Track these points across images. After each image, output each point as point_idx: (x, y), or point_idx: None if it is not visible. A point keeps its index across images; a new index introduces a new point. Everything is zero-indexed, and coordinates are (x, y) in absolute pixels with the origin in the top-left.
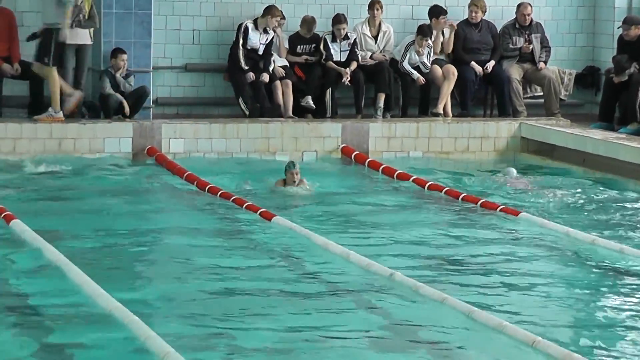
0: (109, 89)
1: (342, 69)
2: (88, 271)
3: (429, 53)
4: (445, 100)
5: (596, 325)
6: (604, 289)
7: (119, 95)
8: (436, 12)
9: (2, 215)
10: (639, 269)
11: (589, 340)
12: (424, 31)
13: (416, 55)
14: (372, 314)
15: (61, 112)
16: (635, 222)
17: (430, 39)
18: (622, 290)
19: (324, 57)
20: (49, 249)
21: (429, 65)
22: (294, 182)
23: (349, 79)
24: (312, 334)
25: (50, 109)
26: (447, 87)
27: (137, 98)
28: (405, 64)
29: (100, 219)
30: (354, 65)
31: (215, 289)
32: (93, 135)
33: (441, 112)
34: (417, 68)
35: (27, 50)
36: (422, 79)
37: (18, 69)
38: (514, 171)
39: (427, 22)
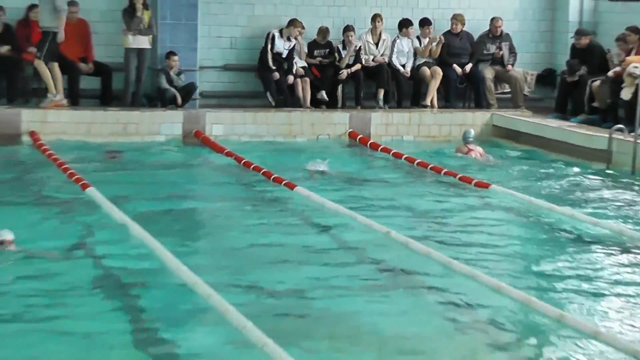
0: (164, 84)
1: (345, 69)
2: (149, 228)
3: (412, 44)
4: (432, 95)
5: (545, 273)
6: (557, 247)
7: (172, 89)
8: (424, 22)
9: (80, 183)
10: (587, 231)
11: (542, 284)
12: (403, 23)
13: (403, 47)
14: (371, 264)
15: (61, 95)
16: (583, 192)
17: (410, 29)
18: (571, 247)
19: (336, 60)
20: (115, 210)
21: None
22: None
23: (344, 75)
24: (324, 278)
25: (49, 95)
26: (434, 85)
27: (187, 92)
28: (394, 60)
29: (157, 188)
30: (357, 66)
31: (246, 242)
32: (151, 121)
33: (429, 104)
34: (404, 66)
35: (99, 52)
36: (407, 73)
37: (91, 68)
38: (471, 131)
39: (416, 30)
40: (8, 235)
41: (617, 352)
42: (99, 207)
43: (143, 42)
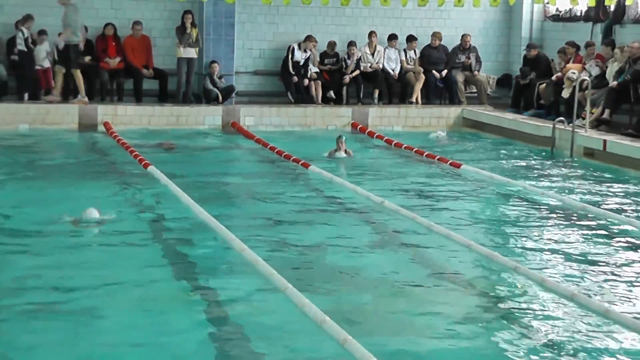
0: (209, 85)
1: (348, 74)
2: (195, 197)
3: (399, 53)
4: (417, 94)
5: (506, 233)
6: (513, 212)
7: (215, 90)
8: (410, 38)
9: (142, 163)
10: (536, 200)
11: (500, 241)
12: (391, 37)
13: (390, 54)
14: (369, 226)
15: (86, 97)
16: (533, 170)
17: (394, 41)
18: (523, 212)
19: (342, 67)
20: (170, 183)
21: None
22: (341, 149)
23: (347, 80)
24: (333, 237)
25: (79, 95)
26: (418, 86)
27: (227, 92)
28: (386, 64)
29: (201, 166)
30: (357, 72)
31: (272, 208)
32: (198, 114)
33: (414, 101)
34: (393, 70)
35: (158, 61)
36: (396, 76)
37: (152, 73)
38: (442, 134)
39: (403, 44)
40: (95, 213)
41: (558, 298)
42: (157, 181)
43: (191, 52)
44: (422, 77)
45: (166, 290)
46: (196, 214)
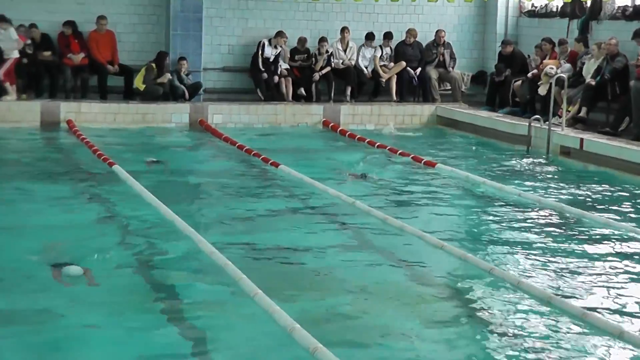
0: (176, 82)
1: (317, 72)
2: (161, 197)
3: (374, 51)
4: (394, 90)
5: (479, 234)
6: (487, 212)
7: (182, 87)
8: (387, 36)
9: (107, 162)
10: (512, 200)
11: (476, 243)
12: (368, 36)
13: (366, 53)
14: (341, 228)
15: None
16: (508, 169)
17: (372, 42)
18: (498, 213)
19: (312, 64)
20: (135, 183)
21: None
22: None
23: (317, 77)
24: (303, 239)
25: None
26: (394, 81)
27: (195, 89)
28: (360, 62)
29: (168, 165)
30: (327, 69)
31: (241, 209)
32: (164, 111)
33: (395, 99)
34: (366, 67)
35: (123, 56)
36: (369, 74)
37: (117, 69)
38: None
39: (379, 41)
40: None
41: (537, 301)
42: (122, 180)
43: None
44: (394, 73)
45: (130, 295)
46: (163, 214)
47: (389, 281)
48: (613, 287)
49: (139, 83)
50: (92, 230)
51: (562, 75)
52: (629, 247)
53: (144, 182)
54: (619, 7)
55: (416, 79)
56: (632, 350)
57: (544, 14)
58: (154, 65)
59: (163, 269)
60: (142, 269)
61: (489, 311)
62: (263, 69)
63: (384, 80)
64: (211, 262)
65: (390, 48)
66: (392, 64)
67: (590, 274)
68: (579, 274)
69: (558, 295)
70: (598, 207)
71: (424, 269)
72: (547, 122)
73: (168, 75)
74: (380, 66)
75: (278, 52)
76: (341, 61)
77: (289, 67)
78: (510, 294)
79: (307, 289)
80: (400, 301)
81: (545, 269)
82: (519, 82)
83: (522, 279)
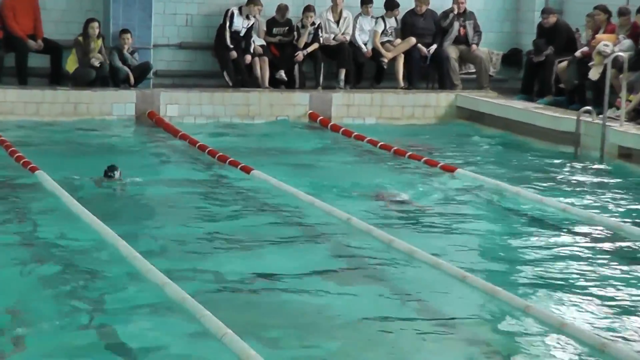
0: (117, 62)
1: (301, 49)
2: (99, 214)
3: (375, 24)
4: (401, 73)
5: (511, 262)
6: (525, 233)
7: (125, 68)
8: (390, 5)
9: (28, 167)
10: (554, 217)
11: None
12: (364, 1)
13: (364, 25)
14: (330, 251)
15: None
16: (549, 177)
17: (369, 7)
18: (536, 234)
19: (295, 39)
20: (65, 195)
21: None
22: None
23: (300, 57)
24: (282, 266)
25: None
26: (400, 62)
27: (142, 71)
28: (357, 37)
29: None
30: (314, 46)
31: (202, 228)
32: (103, 100)
33: (402, 84)
34: (365, 44)
35: (49, 29)
36: (369, 52)
37: (41, 45)
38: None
39: (380, 10)
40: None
41: (581, 344)
42: (47, 191)
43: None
44: (402, 53)
45: (54, 335)
46: (101, 236)
47: (392, 322)
48: None
49: (71, 65)
50: (5, 257)
51: (620, 54)
52: None
53: (77, 194)
54: None
55: (428, 59)
56: None
57: None
58: (80, 39)
59: (98, 302)
60: (67, 302)
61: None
62: (232, 46)
63: (386, 60)
64: (164, 297)
65: (396, 19)
66: (398, 40)
67: None
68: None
69: (614, 341)
70: None
71: (441, 308)
72: (601, 116)
73: (99, 57)
74: (383, 43)
75: (251, 24)
76: (332, 36)
77: (264, 43)
78: (550, 338)
79: (287, 328)
80: (404, 348)
81: (598, 308)
82: (564, 64)
83: (566, 321)
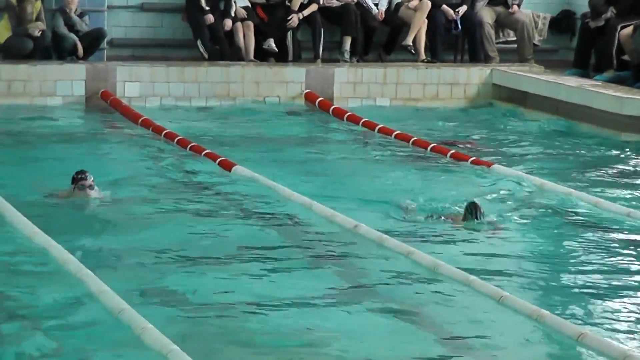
0: (62, 28)
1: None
2: (39, 221)
3: None
4: (416, 31)
5: (567, 281)
6: (576, 243)
7: (73, 35)
8: None
9: None
10: (617, 222)
11: (559, 297)
12: None
13: None
14: (329, 267)
15: None
16: (610, 173)
17: None
18: (594, 243)
19: (288, 0)
20: None
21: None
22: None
23: (295, 21)
24: (266, 285)
25: None
26: (419, 18)
27: (93, 40)
28: None
29: (49, 166)
30: (312, 7)
31: (167, 238)
32: (44, 77)
33: (411, 44)
34: (377, 5)
35: None
36: (381, 15)
37: None
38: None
39: None
40: None
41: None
42: None
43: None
44: (428, 5)
45: None
46: (41, 247)
47: (412, 352)
48: None
49: (2, 34)
50: None
51: None
52: None
53: (9, 195)
54: None
55: (459, 24)
56: None
57: None
58: (13, 1)
59: (44, 329)
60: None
61: None
62: (207, 8)
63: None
64: (120, 323)
65: None
66: (416, 1)
67: None
68: None
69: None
70: None
71: (472, 337)
72: None
73: (39, 24)
74: (399, 4)
75: None
76: None
77: (249, 4)
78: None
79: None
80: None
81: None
82: (629, 30)
83: (633, 353)
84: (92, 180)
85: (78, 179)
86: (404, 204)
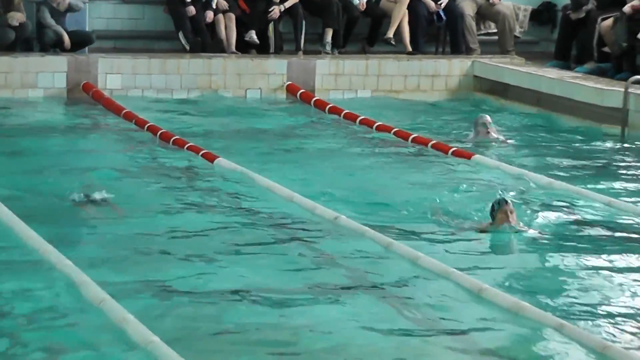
0: (48, 19)
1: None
2: (19, 213)
3: None
4: (396, 24)
5: (546, 271)
6: (559, 234)
7: (60, 28)
8: None
9: None
10: (595, 213)
11: (537, 289)
12: None
13: None
14: (313, 257)
15: None
16: (591, 163)
17: None
18: (573, 230)
19: None
20: None
21: None
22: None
23: (276, 13)
24: (252, 276)
25: None
26: (399, 10)
27: (80, 41)
28: None
29: (30, 160)
30: (293, 0)
31: (150, 229)
32: (26, 69)
33: (392, 37)
34: None
35: None
36: (363, 6)
37: None
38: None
39: None
40: None
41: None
42: None
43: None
44: (404, 8)
45: None
46: (21, 239)
47: (390, 347)
48: None
49: None
50: None
51: None
52: None
53: None
54: None
55: (442, 15)
56: None
57: None
58: None
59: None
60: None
61: None
62: (189, 0)
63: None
64: (101, 315)
65: None
66: None
67: None
68: None
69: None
70: None
71: (451, 329)
72: None
73: (18, 15)
74: None
75: None
76: None
77: None
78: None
79: (255, 355)
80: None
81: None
82: (610, 21)
83: (608, 343)
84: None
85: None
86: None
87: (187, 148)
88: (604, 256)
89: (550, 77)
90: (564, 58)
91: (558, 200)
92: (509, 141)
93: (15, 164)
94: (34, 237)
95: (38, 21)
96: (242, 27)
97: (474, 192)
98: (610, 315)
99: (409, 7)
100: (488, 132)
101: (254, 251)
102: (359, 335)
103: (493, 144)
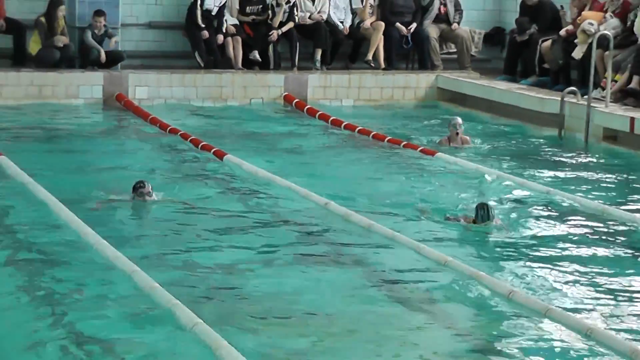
0: (91, 40)
1: (275, 29)
2: (65, 200)
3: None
4: (374, 48)
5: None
6: (506, 217)
7: (98, 46)
8: None
9: None
10: (537, 200)
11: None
12: None
13: (338, 2)
14: (307, 238)
15: None
16: (533, 160)
17: None
18: (521, 217)
19: (269, 17)
20: (30, 181)
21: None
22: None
23: (275, 37)
24: (256, 253)
25: None
26: (376, 37)
27: (114, 59)
28: (332, 15)
29: (74, 157)
30: (289, 25)
31: (172, 215)
32: (69, 83)
33: (370, 59)
34: (342, 22)
35: (11, 8)
36: (346, 31)
37: (3, 25)
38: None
39: None
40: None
41: (566, 330)
42: (10, 177)
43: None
44: (382, 25)
45: (26, 331)
46: (65, 222)
47: (373, 312)
48: None
49: (34, 46)
50: None
51: (606, 32)
52: None
53: (42, 180)
54: None
55: (409, 40)
56: None
57: None
58: (42, 19)
59: (67, 293)
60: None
61: (511, 346)
62: (203, 26)
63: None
64: (132, 284)
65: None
66: (369, 22)
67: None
68: (629, 300)
69: (601, 328)
70: None
71: (420, 293)
72: (586, 97)
73: (63, 38)
74: (359, 22)
75: (223, 2)
76: (308, 15)
77: (237, 22)
78: (535, 325)
79: (263, 321)
80: (384, 335)
81: (583, 290)
82: (549, 43)
83: (551, 307)
84: (151, 188)
85: (137, 187)
86: (419, 207)
87: (201, 147)
88: (543, 233)
89: (500, 88)
90: (512, 73)
91: (507, 190)
92: (471, 142)
93: (60, 161)
94: (74, 219)
95: (82, 42)
96: (247, 48)
97: (435, 182)
98: (591, 298)
99: (384, 32)
100: (457, 133)
101: (256, 228)
102: (348, 299)
103: (456, 146)
